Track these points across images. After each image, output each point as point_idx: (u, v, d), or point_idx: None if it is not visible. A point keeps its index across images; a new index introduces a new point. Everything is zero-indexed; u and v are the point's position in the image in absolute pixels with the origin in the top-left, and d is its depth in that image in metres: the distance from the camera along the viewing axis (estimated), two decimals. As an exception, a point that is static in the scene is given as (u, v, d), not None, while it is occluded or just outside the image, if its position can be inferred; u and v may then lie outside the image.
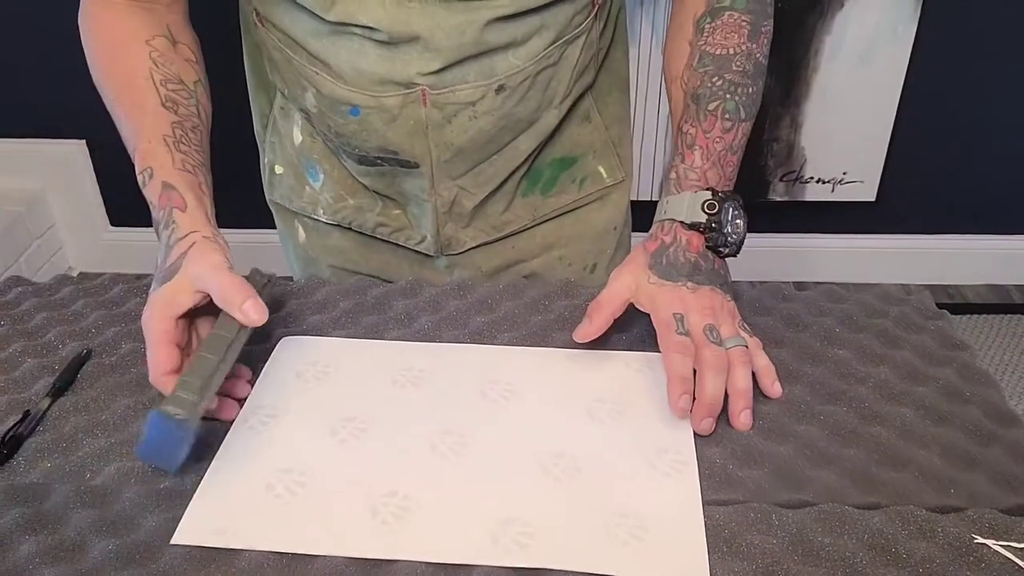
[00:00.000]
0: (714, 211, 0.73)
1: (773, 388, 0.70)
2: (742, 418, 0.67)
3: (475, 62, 0.79)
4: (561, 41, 0.81)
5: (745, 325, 0.73)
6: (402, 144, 0.83)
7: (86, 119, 2.11)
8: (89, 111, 2.07)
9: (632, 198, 1.03)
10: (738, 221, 0.74)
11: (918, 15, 1.88)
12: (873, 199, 2.11)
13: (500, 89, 0.81)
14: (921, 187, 2.14)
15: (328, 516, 0.60)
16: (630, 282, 0.74)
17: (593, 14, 0.83)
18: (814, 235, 2.23)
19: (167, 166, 0.72)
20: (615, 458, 0.65)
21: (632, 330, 0.78)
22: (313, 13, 0.77)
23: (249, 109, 0.98)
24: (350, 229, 0.96)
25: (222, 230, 0.72)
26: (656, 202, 0.78)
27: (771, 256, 2.23)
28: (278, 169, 0.97)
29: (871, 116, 2.01)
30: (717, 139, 0.76)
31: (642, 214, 1.06)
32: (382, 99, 0.80)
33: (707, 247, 0.74)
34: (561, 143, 0.92)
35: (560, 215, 0.97)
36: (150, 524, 0.60)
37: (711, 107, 0.76)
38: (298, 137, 0.93)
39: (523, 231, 0.96)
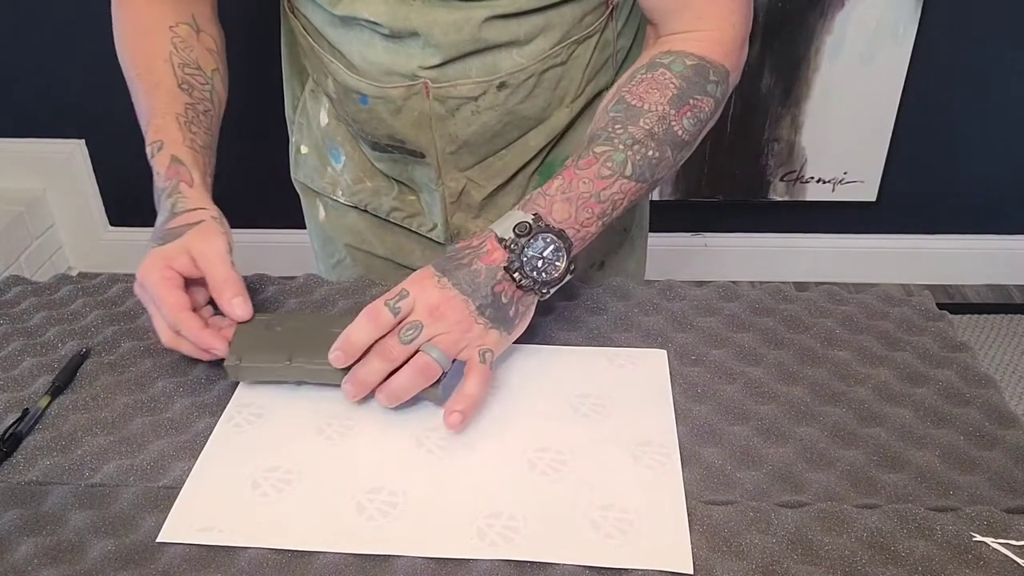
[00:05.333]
0: (524, 233, 0.67)
1: (450, 418, 0.64)
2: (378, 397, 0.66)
3: (476, 58, 0.79)
4: (569, 41, 0.81)
5: (487, 356, 0.66)
6: (407, 134, 0.85)
7: (86, 119, 2.11)
8: (89, 111, 2.10)
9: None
10: (552, 260, 0.68)
11: (918, 15, 1.88)
12: (873, 199, 2.11)
13: (502, 86, 0.81)
14: (921, 187, 2.14)
15: (315, 513, 0.60)
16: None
17: (607, 14, 0.82)
18: (814, 235, 2.23)
19: (177, 142, 0.76)
20: (599, 452, 0.65)
21: (632, 330, 0.78)
22: (323, 7, 0.79)
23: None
24: (366, 211, 0.98)
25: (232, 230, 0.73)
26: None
27: (771, 256, 2.22)
28: (303, 149, 0.99)
29: (871, 116, 2.00)
30: (585, 180, 0.70)
31: (652, 216, 1.07)
32: (387, 89, 0.81)
33: (504, 267, 0.67)
34: (574, 141, 0.91)
35: None
36: (149, 524, 0.60)
37: (597, 150, 0.71)
38: (324, 119, 0.95)
39: None
